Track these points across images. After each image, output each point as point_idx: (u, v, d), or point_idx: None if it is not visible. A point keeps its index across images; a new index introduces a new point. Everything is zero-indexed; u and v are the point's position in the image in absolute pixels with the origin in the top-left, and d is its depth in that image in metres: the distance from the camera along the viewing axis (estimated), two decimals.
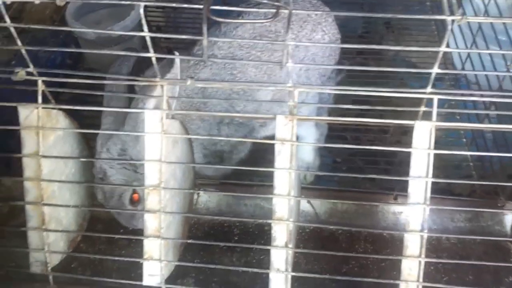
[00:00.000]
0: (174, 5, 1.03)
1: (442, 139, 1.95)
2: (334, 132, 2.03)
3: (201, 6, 0.97)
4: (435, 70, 1.02)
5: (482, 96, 1.36)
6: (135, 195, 1.42)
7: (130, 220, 1.47)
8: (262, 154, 1.87)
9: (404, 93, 1.09)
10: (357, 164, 2.04)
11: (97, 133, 1.44)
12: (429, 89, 1.08)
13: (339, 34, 1.85)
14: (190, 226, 1.53)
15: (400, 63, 2.45)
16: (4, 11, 1.02)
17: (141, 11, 0.95)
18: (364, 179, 1.95)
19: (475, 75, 1.97)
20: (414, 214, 1.12)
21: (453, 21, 0.91)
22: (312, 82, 1.72)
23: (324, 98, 1.80)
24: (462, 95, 1.30)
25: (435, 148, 1.11)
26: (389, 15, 0.92)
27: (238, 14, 1.68)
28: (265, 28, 1.65)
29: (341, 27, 2.63)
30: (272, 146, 1.17)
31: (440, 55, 0.98)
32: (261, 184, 1.62)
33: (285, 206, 1.16)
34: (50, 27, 1.39)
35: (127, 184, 1.41)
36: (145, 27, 1.00)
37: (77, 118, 1.40)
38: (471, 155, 1.92)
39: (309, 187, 1.59)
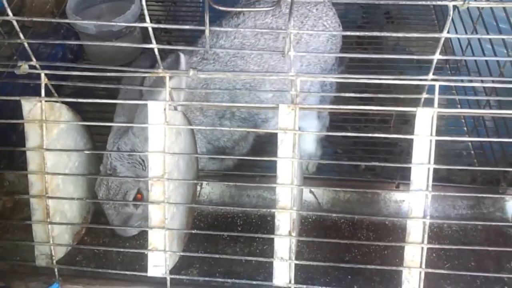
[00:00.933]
0: None
1: (443, 128, 1.96)
2: (334, 123, 2.04)
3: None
4: (437, 56, 1.02)
5: (482, 82, 1.36)
6: (139, 195, 1.43)
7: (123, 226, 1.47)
8: (263, 146, 1.88)
9: (406, 80, 1.10)
10: (358, 154, 2.05)
11: (101, 127, 1.45)
12: (430, 75, 1.08)
13: (340, 27, 1.85)
14: (193, 217, 1.54)
15: (400, 53, 2.45)
16: (6, 5, 1.02)
17: (143, 2, 0.95)
18: (365, 170, 1.96)
19: (476, 64, 1.97)
20: (416, 200, 1.13)
21: (455, 6, 0.91)
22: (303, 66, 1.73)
23: (326, 90, 1.81)
24: (463, 81, 1.30)
25: (436, 136, 1.12)
26: (390, 2, 0.92)
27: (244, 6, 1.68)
28: (266, 25, 1.66)
29: (341, 18, 2.62)
30: (272, 138, 1.18)
31: (442, 41, 0.98)
32: (263, 175, 1.63)
33: (288, 195, 1.17)
34: (54, 20, 1.38)
35: (136, 181, 1.42)
36: (147, 18, 1.00)
37: (79, 113, 1.41)
38: (472, 144, 1.92)
39: (311, 177, 1.60)
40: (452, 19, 0.93)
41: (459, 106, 1.97)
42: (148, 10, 0.99)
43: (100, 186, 1.43)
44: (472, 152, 1.93)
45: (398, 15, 2.67)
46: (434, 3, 0.90)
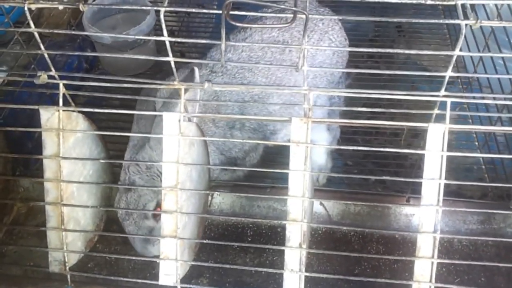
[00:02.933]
0: (193, 10, 1.05)
1: (454, 142, 1.96)
2: (345, 135, 2.04)
3: (220, 12, 1.00)
4: (449, 73, 1.03)
5: (494, 98, 1.37)
6: (158, 208, 1.43)
7: (145, 244, 1.46)
8: (273, 157, 1.90)
9: (418, 96, 1.11)
10: (368, 167, 2.05)
11: (115, 136, 1.48)
12: (442, 92, 1.10)
13: (346, 41, 1.88)
14: (204, 227, 1.55)
15: (411, 67, 2.45)
16: (29, 17, 1.06)
17: (162, 16, 0.97)
18: (375, 182, 1.96)
19: (488, 79, 1.98)
20: (427, 215, 1.14)
21: (467, 25, 0.93)
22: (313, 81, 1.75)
23: (335, 103, 1.83)
24: (475, 97, 1.31)
25: (447, 151, 1.13)
26: (403, 20, 0.94)
27: (251, 21, 1.72)
28: (273, 38, 1.71)
29: (352, 31, 2.64)
30: (282, 149, 1.19)
31: (454, 58, 0.99)
32: (273, 186, 1.64)
33: (299, 207, 1.18)
34: (73, 32, 1.41)
35: (154, 194, 1.43)
36: (165, 32, 1.03)
37: (92, 121, 1.43)
38: (483, 158, 1.92)
39: (322, 189, 1.60)
40: (465, 35, 0.94)
41: (470, 121, 1.96)
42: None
43: (119, 202, 1.45)
44: (483, 166, 1.93)
45: (409, 29, 2.68)
46: (447, 22, 0.91)
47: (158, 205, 1.44)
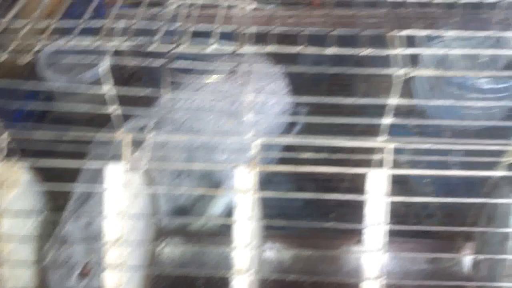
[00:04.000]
0: (135, 62, 1.06)
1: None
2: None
3: (159, 65, 1.01)
4: (387, 120, 1.06)
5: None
6: (86, 270, 1.42)
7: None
8: None
9: (355, 142, 1.13)
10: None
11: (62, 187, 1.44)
12: (380, 138, 1.12)
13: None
14: (152, 279, 1.50)
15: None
16: None
17: (101, 71, 0.97)
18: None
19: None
20: (370, 261, 1.14)
21: (400, 75, 0.96)
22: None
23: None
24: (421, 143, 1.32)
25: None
26: (334, 70, 0.97)
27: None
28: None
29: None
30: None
31: (390, 107, 1.02)
32: (224, 234, 1.61)
33: (246, 257, 1.17)
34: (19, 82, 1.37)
35: (86, 255, 1.41)
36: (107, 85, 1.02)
37: (41, 169, 1.38)
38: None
39: (273, 232, 1.59)
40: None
41: None
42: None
43: (47, 252, 1.40)
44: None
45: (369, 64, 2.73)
46: (376, 72, 0.95)
47: (88, 266, 1.41)
